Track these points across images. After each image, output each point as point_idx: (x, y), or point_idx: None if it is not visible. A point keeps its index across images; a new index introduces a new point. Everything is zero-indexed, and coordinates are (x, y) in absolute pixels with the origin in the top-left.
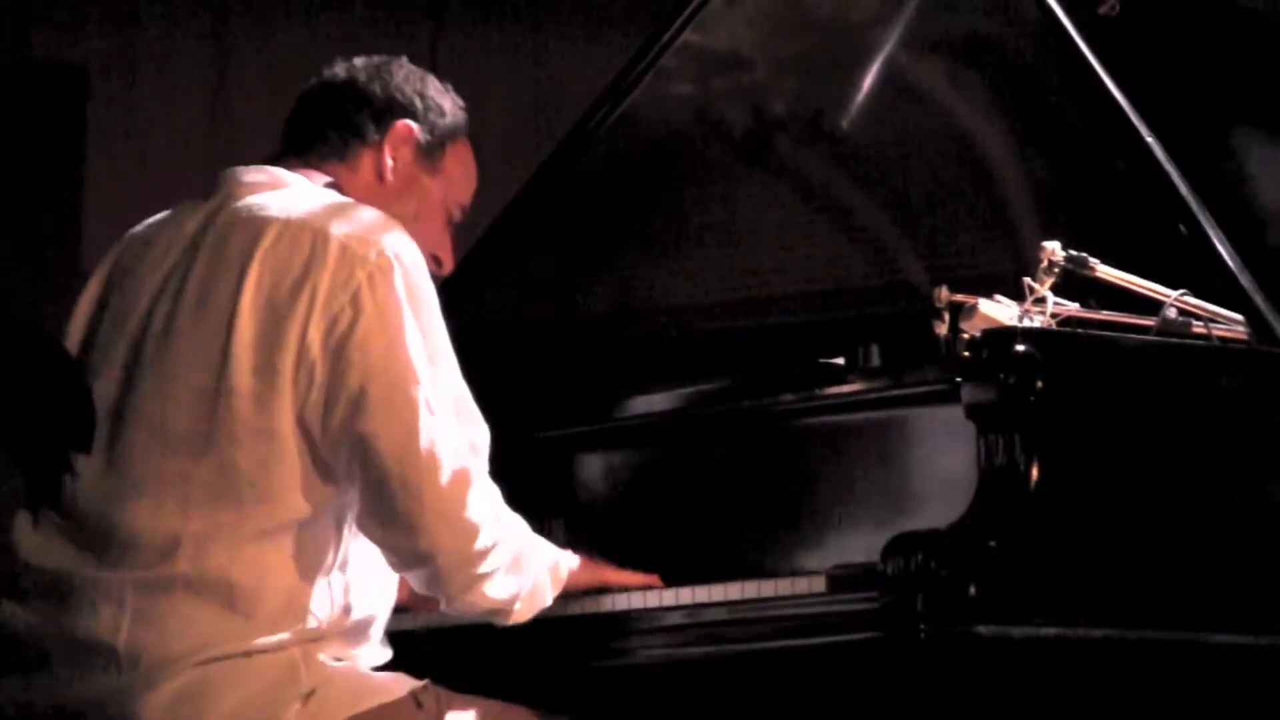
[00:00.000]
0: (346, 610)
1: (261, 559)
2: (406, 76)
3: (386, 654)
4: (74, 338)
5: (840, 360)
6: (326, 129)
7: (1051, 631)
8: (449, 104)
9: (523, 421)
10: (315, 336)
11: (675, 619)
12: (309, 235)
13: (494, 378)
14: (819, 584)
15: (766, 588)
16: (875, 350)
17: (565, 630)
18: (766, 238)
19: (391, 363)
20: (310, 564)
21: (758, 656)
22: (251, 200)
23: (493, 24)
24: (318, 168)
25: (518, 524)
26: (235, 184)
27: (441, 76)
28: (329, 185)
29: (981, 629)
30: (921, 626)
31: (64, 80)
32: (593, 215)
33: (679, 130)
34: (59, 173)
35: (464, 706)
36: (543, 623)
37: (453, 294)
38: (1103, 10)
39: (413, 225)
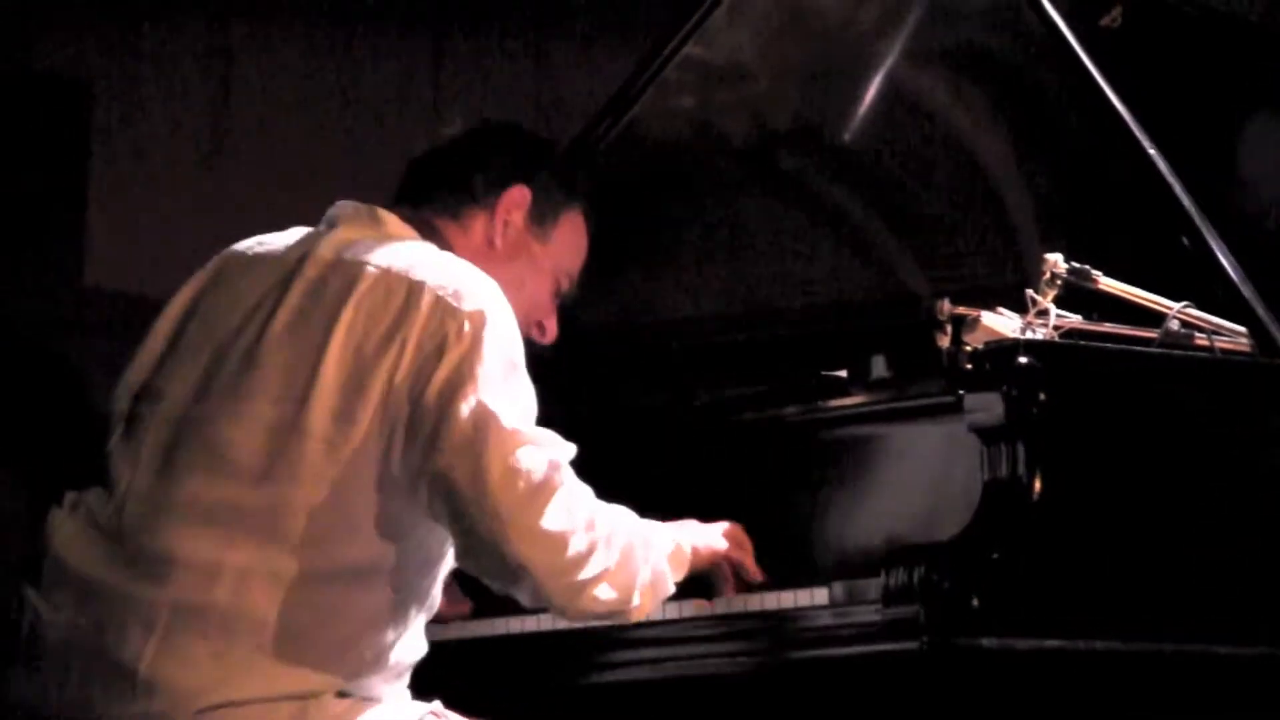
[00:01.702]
0: (381, 664)
1: (303, 607)
2: (530, 142)
3: (403, 681)
4: (159, 337)
5: (843, 373)
6: (442, 187)
7: (1054, 643)
8: (567, 175)
9: None
10: (401, 385)
11: (677, 632)
12: (404, 285)
13: None
14: (821, 596)
15: (768, 600)
16: (878, 363)
17: (566, 644)
18: (769, 250)
19: (467, 401)
20: (355, 618)
21: (761, 669)
22: (357, 242)
23: (494, 37)
24: (429, 222)
25: (621, 519)
26: (342, 218)
27: (443, 89)
28: (438, 234)
29: (984, 641)
30: (924, 638)
31: (67, 90)
32: (595, 227)
33: (680, 142)
34: (62, 183)
35: None
36: (544, 636)
37: None
38: (1104, 23)
39: (517, 292)
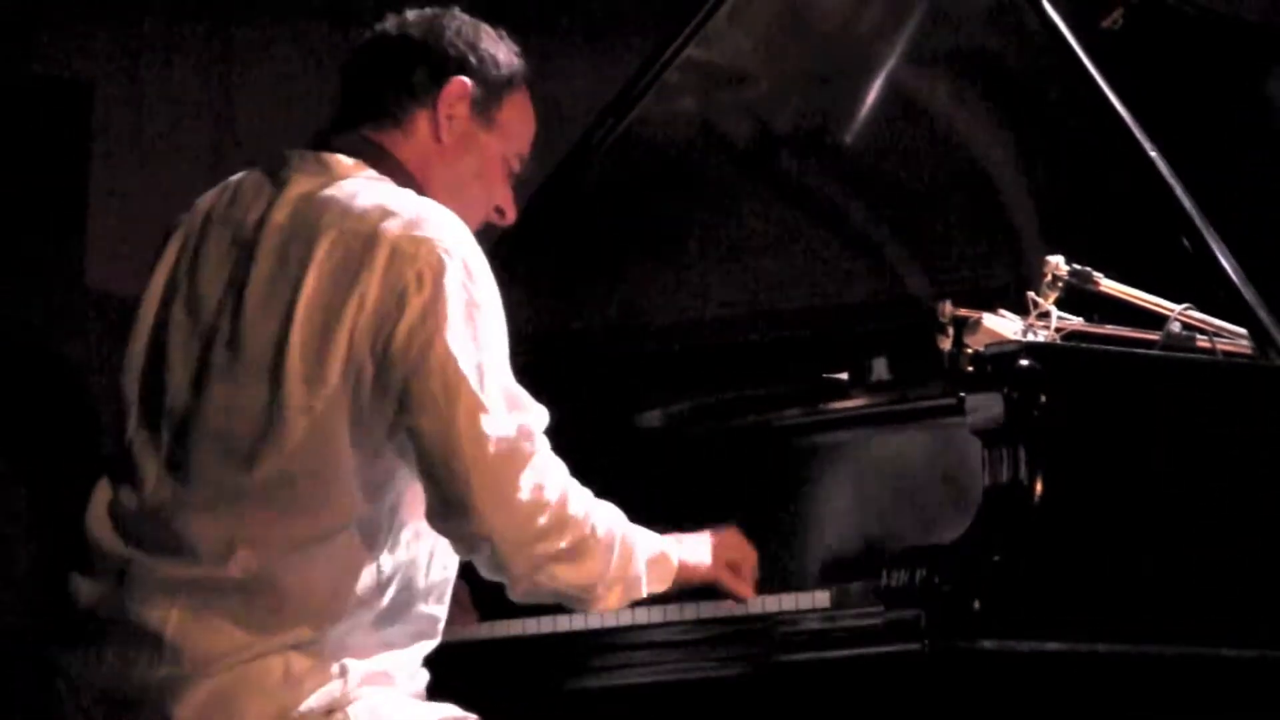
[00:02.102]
0: (380, 596)
1: (309, 563)
2: (459, 29)
3: (423, 675)
4: (147, 322)
5: (844, 375)
6: (382, 90)
7: (1055, 646)
8: (503, 53)
9: None
10: (362, 341)
11: (679, 634)
12: (360, 240)
13: None
14: (823, 599)
15: (771, 603)
16: (879, 365)
17: (566, 646)
18: (770, 252)
19: (433, 356)
20: (355, 564)
21: (762, 672)
22: (309, 198)
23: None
24: (372, 140)
25: (604, 511)
26: (296, 174)
27: None
28: (384, 154)
29: (986, 643)
30: (926, 641)
31: (68, 92)
32: (596, 230)
33: (683, 145)
34: (64, 184)
35: None
36: (541, 639)
37: None
38: (1105, 24)
39: (473, 183)
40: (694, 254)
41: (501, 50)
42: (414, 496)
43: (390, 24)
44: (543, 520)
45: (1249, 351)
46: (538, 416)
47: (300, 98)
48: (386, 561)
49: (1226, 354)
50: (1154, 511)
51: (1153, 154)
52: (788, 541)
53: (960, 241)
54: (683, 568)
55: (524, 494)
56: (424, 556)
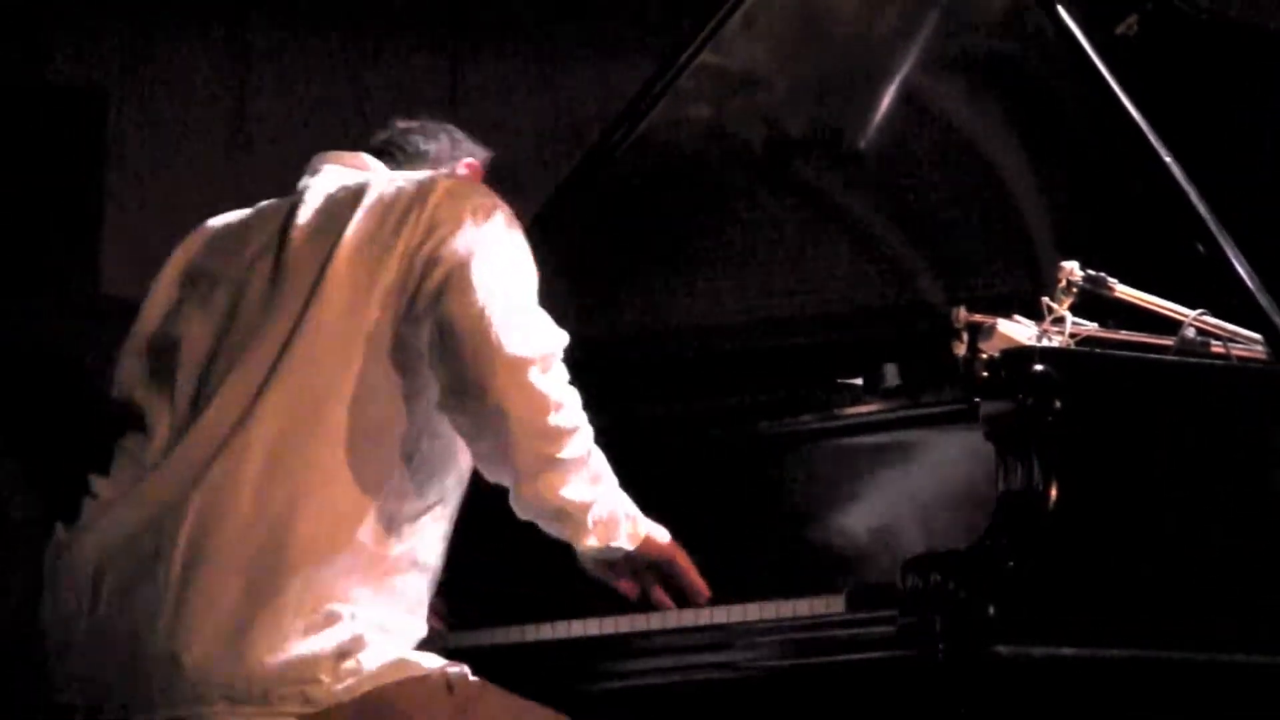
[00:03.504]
0: (388, 542)
1: (325, 471)
2: (469, 137)
3: (422, 626)
4: (161, 298)
5: (858, 380)
6: (398, 154)
7: (1070, 651)
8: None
9: None
10: (415, 248)
11: (692, 639)
12: (413, 183)
13: None
14: (837, 604)
15: (785, 608)
16: (893, 370)
17: (580, 650)
18: (784, 258)
19: (478, 262)
20: (362, 482)
21: (775, 676)
22: (350, 172)
23: (511, 46)
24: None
25: (603, 455)
26: (333, 160)
27: (460, 99)
28: None
29: (1001, 649)
30: (940, 646)
31: (83, 100)
32: (610, 236)
33: (696, 151)
34: (78, 192)
35: (496, 699)
36: (558, 641)
37: None
38: (1120, 30)
39: None
40: (707, 260)
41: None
42: (438, 462)
43: (401, 121)
44: (556, 419)
45: (1263, 357)
46: (561, 333)
47: (314, 103)
48: (400, 495)
49: (1241, 359)
50: (1168, 517)
51: (1167, 159)
52: (801, 546)
53: (975, 247)
54: (649, 536)
55: (544, 385)
56: (432, 531)
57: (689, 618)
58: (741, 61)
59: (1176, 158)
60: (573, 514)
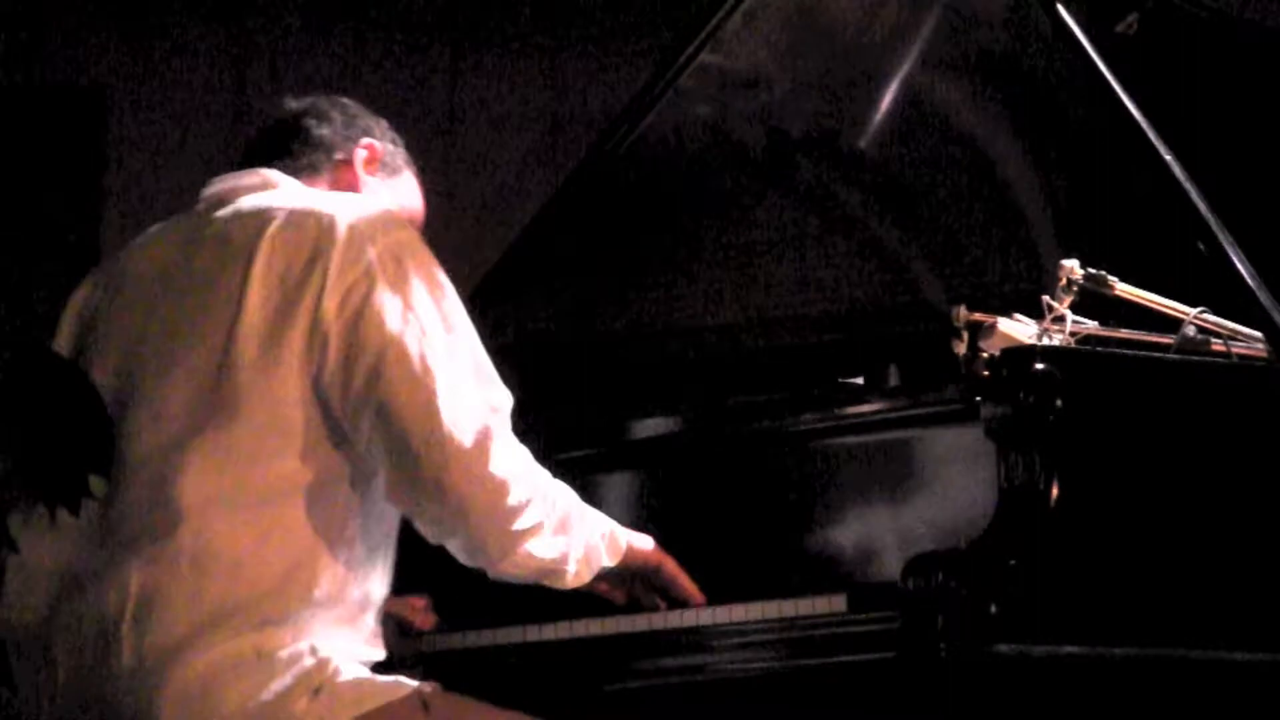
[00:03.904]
0: (345, 586)
1: (261, 527)
2: (360, 108)
3: (380, 652)
4: (63, 342)
5: (859, 380)
6: (291, 143)
7: (1072, 650)
8: (396, 135)
9: (539, 443)
10: (330, 307)
11: (693, 639)
12: (314, 220)
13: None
14: (839, 603)
15: (786, 608)
16: (894, 370)
17: (579, 650)
18: (784, 257)
19: (407, 329)
20: (312, 533)
21: (778, 675)
22: (248, 199)
23: (510, 45)
24: (295, 177)
25: (564, 491)
26: (228, 189)
27: (460, 98)
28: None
29: (1002, 648)
30: (942, 645)
31: (82, 99)
32: (610, 236)
33: (696, 150)
34: (78, 191)
35: (473, 713)
36: (557, 642)
37: (470, 315)
38: (1120, 28)
39: None
40: (708, 259)
41: (393, 134)
42: (385, 504)
43: (290, 103)
44: (516, 496)
45: (1264, 355)
46: (503, 395)
47: None
48: (355, 537)
49: (1241, 357)
50: (1169, 515)
51: (1168, 157)
52: (803, 546)
53: (975, 246)
54: (632, 545)
55: (497, 469)
56: (384, 564)
57: (689, 618)
58: (741, 61)
59: (1177, 156)
60: (552, 569)
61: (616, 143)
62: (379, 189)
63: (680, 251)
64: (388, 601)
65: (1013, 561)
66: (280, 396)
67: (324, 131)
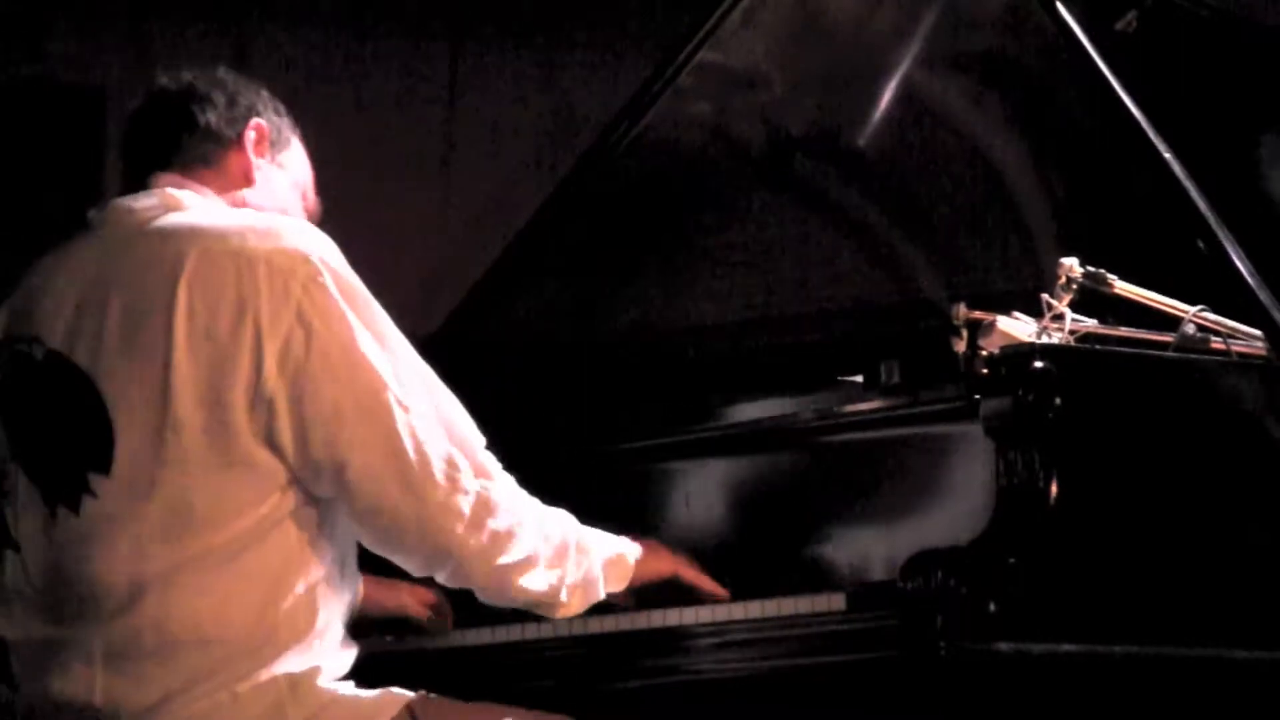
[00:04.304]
0: (313, 616)
1: (223, 586)
2: (238, 80)
3: (351, 654)
4: None
5: (859, 378)
6: (180, 135)
7: (1072, 648)
8: (277, 102)
9: (539, 443)
10: (271, 364)
11: (693, 637)
12: (230, 259)
13: (511, 399)
14: (839, 601)
15: (786, 605)
16: (894, 367)
17: (581, 648)
18: (784, 256)
19: (356, 373)
20: (272, 579)
21: (777, 674)
22: (153, 229)
23: (510, 43)
24: (189, 177)
25: (560, 518)
26: (127, 213)
27: (458, 96)
28: (205, 189)
29: (1002, 646)
30: (941, 644)
31: (82, 98)
32: (611, 234)
33: (697, 148)
34: (78, 191)
35: (460, 714)
36: (558, 640)
37: (469, 315)
38: (1120, 26)
39: (283, 214)
40: (708, 258)
41: (274, 102)
42: (349, 533)
43: (167, 81)
44: (500, 534)
45: (1263, 353)
46: (467, 421)
47: (314, 102)
48: (313, 567)
49: (1241, 355)
50: (1168, 513)
51: (1167, 156)
52: (803, 544)
53: (974, 244)
54: (639, 566)
55: (479, 511)
56: (351, 586)
57: (690, 616)
58: (741, 59)
59: (1176, 154)
60: (543, 600)
61: (616, 141)
62: (270, 171)
63: (679, 250)
64: (396, 591)
65: (1012, 560)
66: (231, 459)
67: (210, 117)
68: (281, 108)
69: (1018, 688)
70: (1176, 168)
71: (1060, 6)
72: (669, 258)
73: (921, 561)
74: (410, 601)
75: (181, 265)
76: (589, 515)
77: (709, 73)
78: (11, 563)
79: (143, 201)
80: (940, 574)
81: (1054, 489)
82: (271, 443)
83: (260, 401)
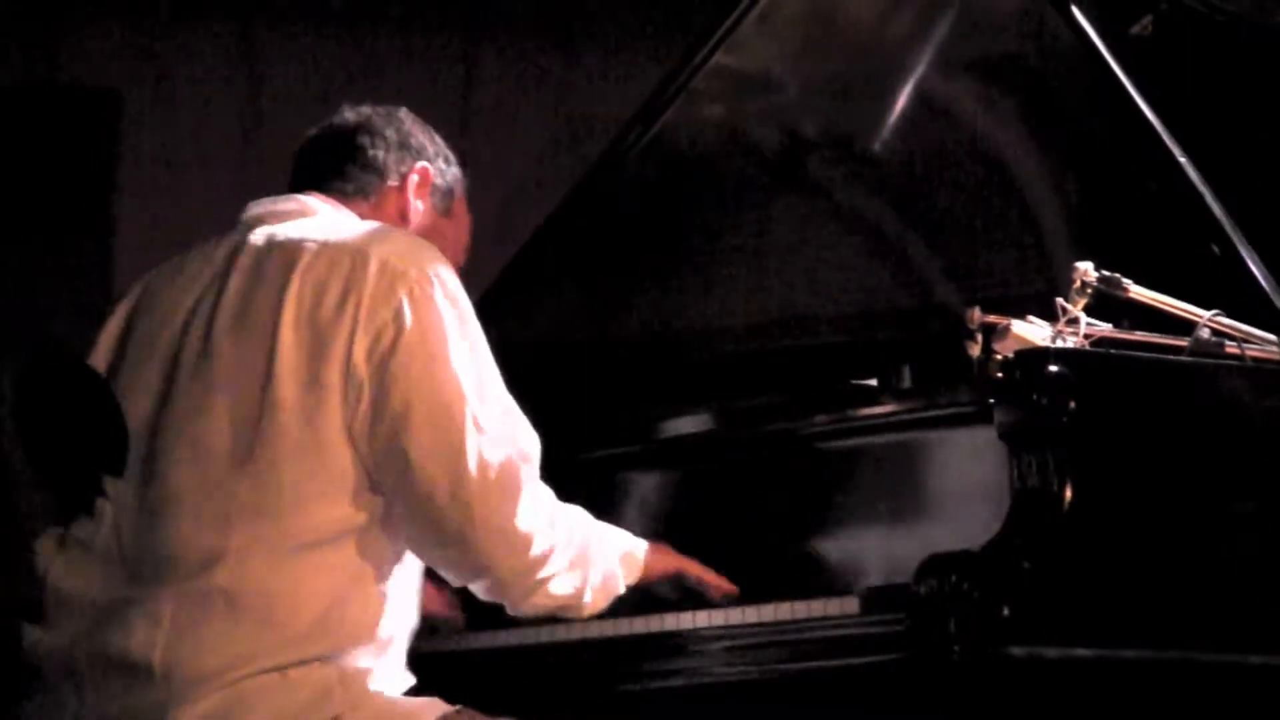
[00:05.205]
0: (377, 625)
1: (299, 572)
2: (414, 123)
3: (410, 679)
4: (99, 363)
5: (873, 381)
6: (345, 165)
7: (1084, 652)
8: (451, 155)
9: (552, 445)
10: (360, 352)
11: (707, 640)
12: (347, 254)
13: (526, 401)
14: (852, 605)
15: (799, 609)
16: (908, 371)
17: (595, 652)
18: (798, 259)
19: (436, 380)
20: (347, 578)
21: (790, 677)
22: (283, 226)
23: (525, 47)
24: (342, 202)
25: (579, 518)
26: (265, 213)
27: (472, 98)
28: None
29: (1015, 650)
30: (955, 647)
31: (95, 101)
32: (625, 237)
33: (711, 152)
34: (92, 194)
35: None
36: (573, 644)
37: (483, 317)
38: (1135, 30)
39: None
40: (722, 261)
41: (447, 151)
42: None
43: (348, 114)
44: (540, 548)
45: (1278, 357)
46: (532, 439)
47: (328, 101)
48: (388, 578)
49: (1256, 360)
50: (1182, 517)
51: (1182, 160)
52: (817, 547)
53: (989, 248)
54: (649, 561)
55: (522, 524)
56: (414, 588)
57: (702, 620)
58: (755, 62)
59: (1191, 158)
60: (570, 605)
61: (631, 143)
62: (427, 217)
63: (693, 252)
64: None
65: (1025, 564)
66: (323, 440)
67: (378, 153)
68: (453, 159)
69: (1031, 692)
70: (1191, 172)
71: (1075, 10)
72: (683, 260)
73: (934, 565)
74: (424, 601)
75: (300, 255)
76: (602, 517)
77: (724, 76)
78: (105, 523)
79: (282, 204)
80: (953, 578)
81: (1068, 493)
82: (350, 430)
83: (352, 387)
